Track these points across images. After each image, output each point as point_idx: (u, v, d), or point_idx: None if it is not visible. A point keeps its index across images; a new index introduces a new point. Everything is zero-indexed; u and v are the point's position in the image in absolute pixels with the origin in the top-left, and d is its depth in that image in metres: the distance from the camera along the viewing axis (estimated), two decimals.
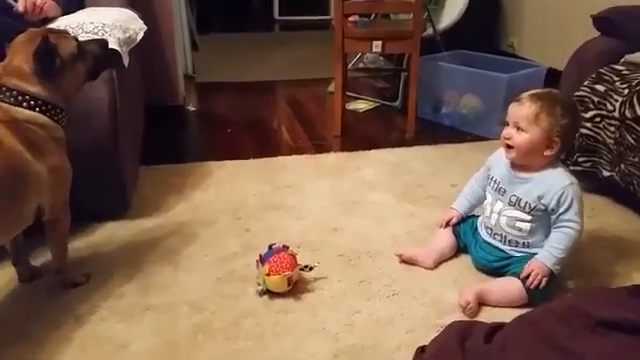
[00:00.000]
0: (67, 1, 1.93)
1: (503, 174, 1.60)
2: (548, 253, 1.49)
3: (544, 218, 1.53)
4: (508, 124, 1.54)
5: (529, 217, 1.53)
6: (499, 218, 1.58)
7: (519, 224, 1.55)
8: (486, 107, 2.74)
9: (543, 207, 1.51)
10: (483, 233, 1.65)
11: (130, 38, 1.92)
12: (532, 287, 1.46)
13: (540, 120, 1.48)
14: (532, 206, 1.52)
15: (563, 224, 1.49)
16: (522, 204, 1.53)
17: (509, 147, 1.54)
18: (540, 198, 1.51)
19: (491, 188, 1.63)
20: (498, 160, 1.63)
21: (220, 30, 5.18)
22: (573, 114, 1.53)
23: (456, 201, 1.76)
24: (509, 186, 1.57)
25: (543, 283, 1.46)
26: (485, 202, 1.67)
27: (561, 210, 1.49)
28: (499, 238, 1.60)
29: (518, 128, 1.50)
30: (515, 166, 1.57)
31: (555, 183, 1.50)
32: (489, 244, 1.62)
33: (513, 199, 1.55)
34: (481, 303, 1.48)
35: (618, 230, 1.85)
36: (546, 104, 1.49)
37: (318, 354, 1.30)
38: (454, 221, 1.72)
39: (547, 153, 1.50)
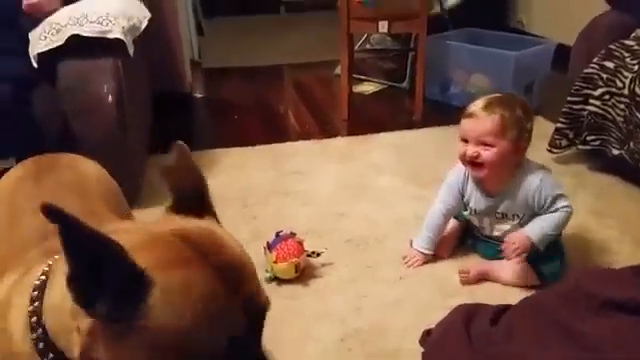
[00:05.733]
0: None
1: (478, 202, 1.55)
2: (537, 228, 1.45)
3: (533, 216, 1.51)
4: (466, 141, 1.46)
5: (519, 224, 1.52)
6: (492, 231, 1.57)
7: (513, 232, 1.52)
8: (495, 86, 2.70)
9: (530, 211, 1.49)
10: (479, 234, 1.63)
11: (134, 27, 1.92)
12: (509, 259, 1.44)
13: (507, 130, 1.42)
14: (520, 215, 1.51)
15: (554, 210, 1.46)
16: (510, 216, 1.52)
17: (477, 165, 1.46)
18: (524, 207, 1.49)
19: (470, 213, 1.59)
20: (467, 188, 1.56)
21: (226, 14, 5.14)
22: (530, 112, 1.49)
23: (421, 238, 1.59)
24: (489, 209, 1.54)
25: (522, 258, 1.43)
26: (469, 217, 1.61)
27: (547, 205, 1.46)
28: (495, 240, 1.58)
29: (484, 144, 1.44)
30: (486, 187, 1.52)
31: (528, 189, 1.46)
32: (489, 242, 1.60)
33: (499, 215, 1.54)
34: (491, 280, 1.49)
35: (625, 209, 1.84)
36: (506, 111, 1.42)
37: (326, 338, 1.32)
38: (419, 264, 1.57)
39: (515, 160, 1.46)
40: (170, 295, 0.55)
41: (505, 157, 1.44)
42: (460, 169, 1.55)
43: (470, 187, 1.55)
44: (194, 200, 0.70)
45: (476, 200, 1.55)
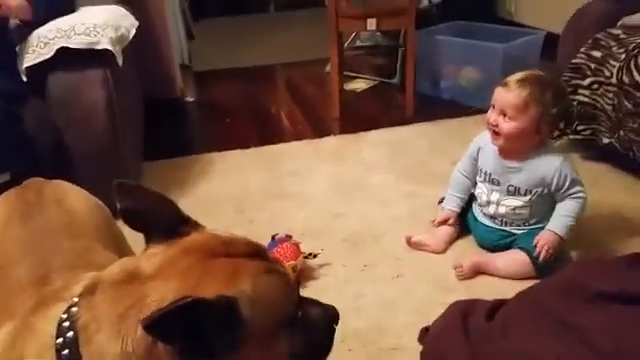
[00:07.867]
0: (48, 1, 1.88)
1: (493, 165, 1.57)
2: (560, 222, 1.50)
3: (544, 199, 1.54)
4: (494, 107, 1.51)
5: (528, 203, 1.54)
6: (498, 207, 1.58)
7: (519, 210, 1.55)
8: (485, 78, 2.72)
9: (544, 191, 1.51)
10: (481, 218, 1.65)
11: (122, 36, 1.92)
12: (541, 260, 1.47)
13: (529, 109, 1.45)
14: (532, 192, 1.52)
15: (571, 196, 1.51)
16: (522, 192, 1.54)
17: (496, 133, 1.51)
18: (539, 184, 1.51)
19: (483, 180, 1.62)
20: (484, 150, 1.61)
21: (215, 15, 5.13)
22: (563, 99, 1.52)
23: (447, 199, 1.70)
24: (502, 176, 1.56)
25: (551, 252, 1.47)
26: (477, 192, 1.65)
27: (565, 188, 1.50)
28: (499, 222, 1.60)
29: (505, 115, 1.48)
30: (504, 155, 1.55)
31: (549, 167, 1.50)
32: (490, 226, 1.62)
33: (511, 189, 1.55)
34: (487, 273, 1.51)
35: (618, 197, 1.85)
36: (536, 91, 1.45)
37: None
38: (451, 222, 1.66)
39: (535, 138, 1.50)
40: (255, 299, 0.64)
41: (523, 133, 1.48)
42: (485, 133, 1.59)
43: (489, 149, 1.57)
44: (171, 225, 0.72)
45: (493, 162, 1.57)
